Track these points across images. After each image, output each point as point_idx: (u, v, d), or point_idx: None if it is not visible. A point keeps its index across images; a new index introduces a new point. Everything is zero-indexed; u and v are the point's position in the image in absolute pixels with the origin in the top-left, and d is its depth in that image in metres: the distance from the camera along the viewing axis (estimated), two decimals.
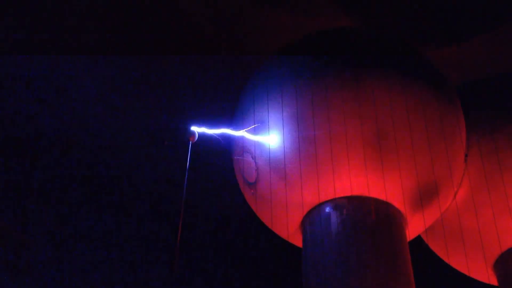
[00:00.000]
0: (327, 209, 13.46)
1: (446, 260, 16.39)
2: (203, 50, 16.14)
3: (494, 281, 15.63)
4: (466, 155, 14.68)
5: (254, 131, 14.07)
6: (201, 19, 15.61)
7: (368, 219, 13.15)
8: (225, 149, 15.75)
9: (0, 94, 17.44)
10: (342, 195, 13.41)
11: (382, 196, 13.38)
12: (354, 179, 13.19)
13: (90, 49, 16.73)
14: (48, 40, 16.53)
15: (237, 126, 14.83)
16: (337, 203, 13.39)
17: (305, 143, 13.25)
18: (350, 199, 13.37)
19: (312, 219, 13.73)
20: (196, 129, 12.84)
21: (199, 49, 16.12)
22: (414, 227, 14.37)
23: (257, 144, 13.97)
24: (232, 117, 15.25)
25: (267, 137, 13.77)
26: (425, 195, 13.73)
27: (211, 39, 15.87)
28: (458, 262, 16.02)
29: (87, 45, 16.67)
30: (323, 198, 13.48)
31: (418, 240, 16.07)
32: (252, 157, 14.20)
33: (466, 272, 16.24)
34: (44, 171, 19.12)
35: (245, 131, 14.24)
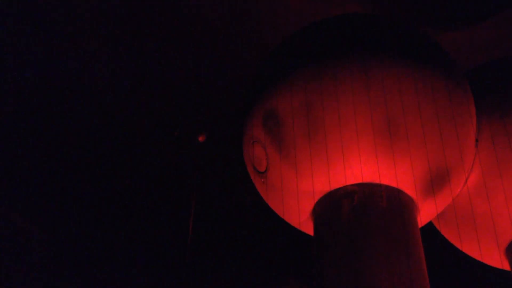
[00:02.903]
0: (338, 197, 13.45)
1: (458, 246, 16.35)
2: (210, 37, 16.15)
3: (507, 266, 15.58)
4: (476, 140, 14.60)
5: (263, 120, 14.10)
6: (209, 6, 15.62)
7: (379, 206, 13.15)
8: (235, 139, 15.81)
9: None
10: (353, 182, 13.39)
11: (393, 183, 13.35)
12: (365, 166, 13.18)
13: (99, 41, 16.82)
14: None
15: (245, 116, 14.88)
16: (348, 191, 13.38)
17: (315, 131, 13.25)
18: (361, 186, 13.35)
19: (323, 206, 13.74)
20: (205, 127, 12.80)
21: (206, 36, 16.12)
22: (425, 214, 14.34)
23: (267, 133, 14.00)
24: (240, 106, 15.27)
25: (277, 126, 13.79)
26: (436, 181, 13.69)
27: (218, 25, 15.87)
28: (471, 247, 15.98)
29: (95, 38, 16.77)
30: (334, 186, 13.47)
31: (430, 226, 16.06)
32: (262, 146, 14.23)
33: (479, 258, 16.21)
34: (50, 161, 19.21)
35: (254, 120, 14.28)
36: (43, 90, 17.96)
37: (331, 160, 13.17)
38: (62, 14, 16.15)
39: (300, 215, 14.30)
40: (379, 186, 13.30)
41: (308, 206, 14.07)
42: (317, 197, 13.81)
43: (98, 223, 20.09)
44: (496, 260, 15.75)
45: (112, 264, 20.17)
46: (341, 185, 13.45)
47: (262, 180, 14.64)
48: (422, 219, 14.31)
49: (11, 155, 18.66)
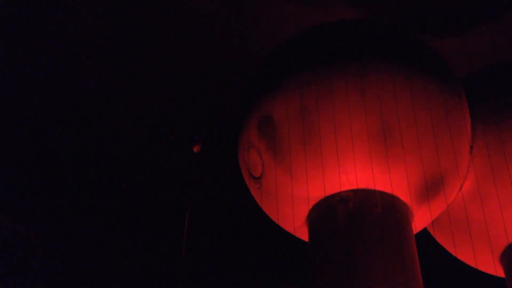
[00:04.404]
0: (333, 203, 13.44)
1: (453, 252, 16.34)
2: (206, 43, 16.17)
3: (501, 273, 15.56)
4: (471, 147, 14.63)
5: (259, 126, 14.10)
6: (206, 11, 15.63)
7: (374, 212, 13.14)
8: (231, 145, 15.80)
9: None
10: (347, 188, 13.39)
11: (387, 189, 13.36)
12: (360, 172, 13.18)
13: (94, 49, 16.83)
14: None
15: (241, 121, 14.87)
16: (343, 197, 13.38)
17: (310, 137, 13.26)
18: (356, 192, 13.35)
19: (318, 212, 13.74)
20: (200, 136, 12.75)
21: (203, 41, 16.15)
22: (420, 220, 14.35)
23: (262, 138, 13.99)
24: (236, 112, 15.27)
25: (272, 131, 13.78)
26: (430, 188, 13.70)
27: (215, 32, 15.91)
28: (465, 254, 15.98)
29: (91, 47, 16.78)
30: (329, 192, 13.48)
31: (425, 233, 16.05)
32: (257, 151, 14.22)
33: (473, 265, 16.19)
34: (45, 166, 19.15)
35: (249, 126, 14.27)
36: (36, 92, 17.93)
37: (326, 166, 13.17)
38: (57, 15, 16.16)
39: (295, 221, 14.27)
40: (373, 192, 13.30)
41: (303, 212, 14.06)
42: (312, 203, 13.80)
43: (91, 226, 20.02)
44: (490, 267, 15.74)
45: (107, 269, 20.08)
46: (336, 191, 13.45)
47: (257, 185, 14.62)
48: (417, 225, 14.31)
49: (2, 157, 18.62)
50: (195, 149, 12.50)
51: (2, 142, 18.53)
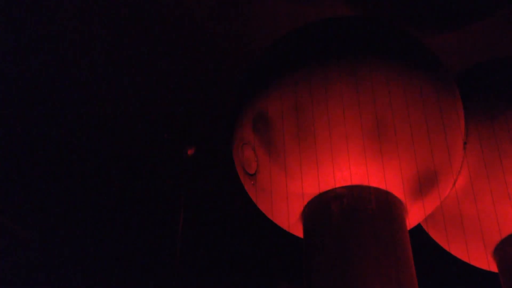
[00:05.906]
0: (327, 199, 13.48)
1: (446, 248, 16.45)
2: (198, 41, 16.14)
3: (494, 268, 15.70)
4: (465, 143, 14.73)
5: (253, 123, 14.12)
6: (199, 10, 15.62)
7: (368, 208, 13.20)
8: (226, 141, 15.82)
9: None
10: (342, 184, 13.43)
11: (382, 185, 13.41)
12: (354, 168, 13.23)
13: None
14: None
15: (235, 118, 14.90)
16: (337, 193, 13.41)
17: (305, 133, 13.30)
18: (350, 188, 13.39)
19: (312, 209, 13.77)
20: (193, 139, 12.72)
21: (193, 39, 16.11)
22: (414, 216, 14.43)
23: (256, 135, 14.02)
24: (229, 109, 15.28)
25: (267, 128, 13.81)
26: (424, 184, 13.78)
27: (205, 28, 15.87)
28: (458, 249, 16.10)
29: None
30: (323, 188, 13.51)
31: (419, 228, 16.14)
32: (251, 148, 14.25)
33: (466, 260, 16.32)
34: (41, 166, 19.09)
35: (243, 122, 14.30)
36: (30, 91, 17.87)
37: (321, 162, 13.22)
38: (47, 16, 16.10)
39: (289, 218, 14.32)
40: (368, 188, 13.35)
41: (297, 208, 14.10)
42: (306, 200, 13.84)
43: (85, 228, 19.98)
44: (483, 262, 15.87)
45: (99, 274, 20.05)
46: (330, 188, 13.49)
47: (252, 182, 14.65)
48: (411, 221, 14.40)
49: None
50: (189, 152, 12.49)
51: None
